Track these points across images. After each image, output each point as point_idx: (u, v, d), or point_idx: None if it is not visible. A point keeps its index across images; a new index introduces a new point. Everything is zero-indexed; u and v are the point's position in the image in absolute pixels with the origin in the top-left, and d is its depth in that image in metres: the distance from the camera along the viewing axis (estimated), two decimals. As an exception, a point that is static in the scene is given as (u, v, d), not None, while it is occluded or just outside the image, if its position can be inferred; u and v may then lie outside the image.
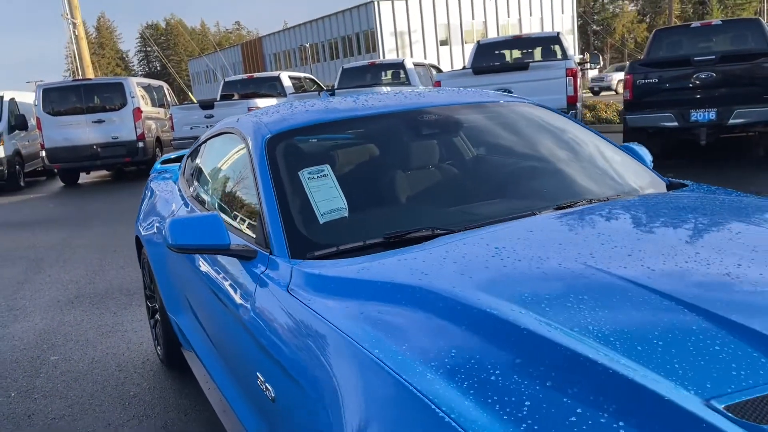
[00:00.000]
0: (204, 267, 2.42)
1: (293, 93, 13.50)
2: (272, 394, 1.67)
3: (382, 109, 2.53)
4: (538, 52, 11.47)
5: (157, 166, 4.23)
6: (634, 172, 2.50)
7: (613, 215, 1.95)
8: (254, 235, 2.12)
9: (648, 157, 2.79)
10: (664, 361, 1.15)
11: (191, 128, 11.67)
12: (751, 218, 1.89)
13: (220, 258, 2.26)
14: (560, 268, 1.54)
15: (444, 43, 46.66)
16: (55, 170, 13.36)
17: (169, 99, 15.44)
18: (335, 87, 13.26)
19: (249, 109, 12.72)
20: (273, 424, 1.75)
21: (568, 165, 2.47)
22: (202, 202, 2.88)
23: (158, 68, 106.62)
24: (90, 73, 19.49)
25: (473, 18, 47.73)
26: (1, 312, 4.97)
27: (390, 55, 43.04)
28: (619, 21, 68.35)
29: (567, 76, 8.44)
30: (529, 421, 1.04)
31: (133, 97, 12.65)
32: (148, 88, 14.39)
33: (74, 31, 19.24)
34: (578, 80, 8.71)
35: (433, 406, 1.12)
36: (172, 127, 12.19)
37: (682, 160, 9.17)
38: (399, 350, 1.30)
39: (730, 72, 7.88)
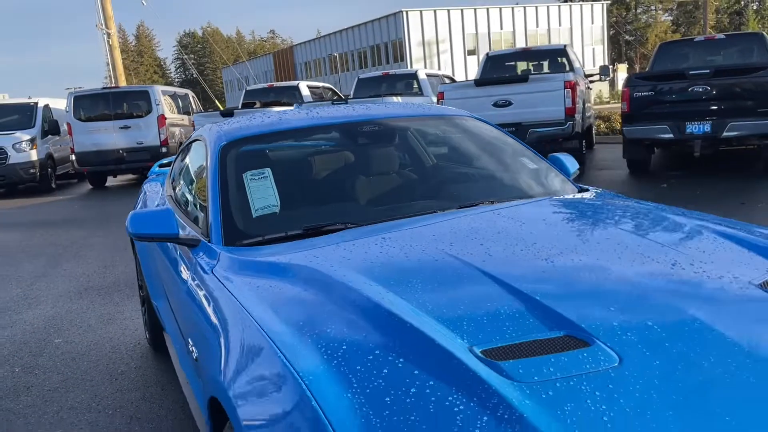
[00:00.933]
0: (171, 255, 2.82)
1: (310, 101, 13.96)
2: (195, 355, 2.04)
3: (325, 121, 2.90)
4: (546, 64, 11.72)
5: (155, 169, 4.67)
6: (547, 179, 2.82)
7: (497, 214, 2.28)
8: (201, 227, 2.50)
9: (573, 166, 3.09)
10: (458, 319, 1.49)
11: (212, 135, 12.19)
12: (609, 219, 2.20)
13: (180, 247, 2.65)
14: (421, 254, 1.89)
15: (472, 52, 46.85)
16: (84, 173, 14.04)
17: (194, 106, 16.06)
18: (351, 96, 13.68)
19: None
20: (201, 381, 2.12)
21: (485, 171, 2.80)
22: (175, 201, 3.28)
23: (194, 76, 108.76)
24: (123, 81, 20.29)
25: (502, 28, 47.86)
26: (17, 300, 5.47)
27: (417, 65, 43.41)
28: (652, 31, 67.66)
29: (565, 88, 8.69)
30: (339, 358, 1.39)
31: (158, 105, 13.27)
32: (173, 96, 15.03)
33: (108, 41, 20.07)
34: (578, 92, 8.94)
35: (278, 351, 1.48)
36: (194, 134, 12.74)
37: (678, 172, 9.34)
38: (270, 315, 1.66)
39: (724, 86, 8.06)
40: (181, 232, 2.43)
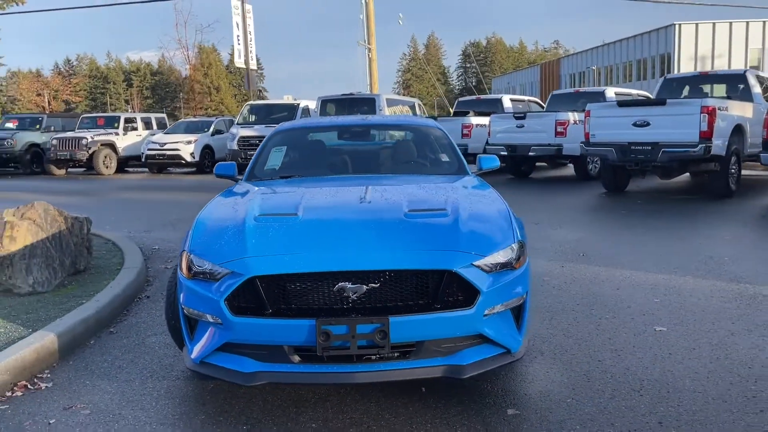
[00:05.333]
0: None
1: (510, 112, 15.65)
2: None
3: (337, 123, 4.98)
4: (724, 88, 11.75)
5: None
6: (449, 167, 4.49)
7: (373, 179, 4.11)
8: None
9: (487, 164, 4.65)
10: (269, 207, 3.49)
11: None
12: (427, 185, 3.88)
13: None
14: (291, 191, 3.89)
15: (755, 68, 42.58)
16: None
17: (418, 112, 18.79)
18: (545, 109, 15.05)
19: (462, 126, 15.38)
20: None
21: (408, 158, 4.61)
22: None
23: (474, 83, 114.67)
24: (376, 89, 24.06)
25: (798, 42, 42.62)
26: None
27: (685, 81, 41.03)
28: None
29: (702, 113, 9.17)
30: (216, 211, 3.53)
31: (380, 110, 16.19)
32: (401, 104, 17.93)
33: (369, 55, 23.96)
34: (719, 117, 9.30)
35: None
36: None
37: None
38: (222, 200, 3.84)
39: None
40: (237, 175, 4.74)
